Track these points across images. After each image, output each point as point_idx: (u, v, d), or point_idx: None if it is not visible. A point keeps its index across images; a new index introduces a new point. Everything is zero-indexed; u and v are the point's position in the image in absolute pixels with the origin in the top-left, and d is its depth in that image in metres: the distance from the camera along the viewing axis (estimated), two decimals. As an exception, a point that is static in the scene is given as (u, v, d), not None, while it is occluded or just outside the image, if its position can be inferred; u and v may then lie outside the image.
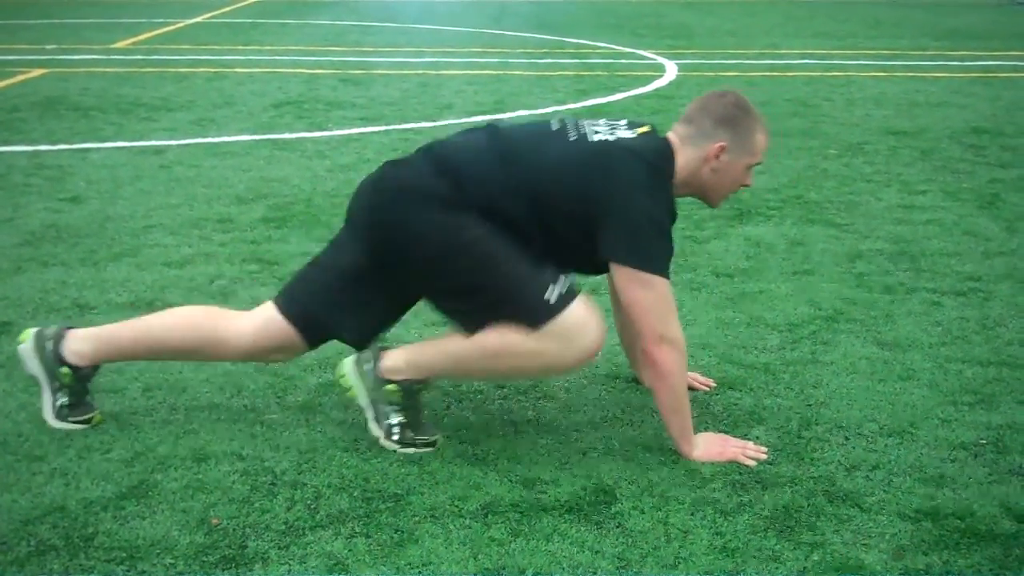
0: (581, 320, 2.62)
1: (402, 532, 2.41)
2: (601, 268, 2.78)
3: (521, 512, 2.50)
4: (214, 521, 2.45)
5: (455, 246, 2.63)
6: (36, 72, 9.73)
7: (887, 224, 5.05)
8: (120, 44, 12.21)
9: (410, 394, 2.80)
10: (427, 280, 2.74)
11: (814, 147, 6.85)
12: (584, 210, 2.64)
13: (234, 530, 2.42)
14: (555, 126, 2.78)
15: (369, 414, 2.83)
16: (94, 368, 2.91)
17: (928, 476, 2.69)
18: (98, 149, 6.55)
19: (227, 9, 17.80)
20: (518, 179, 2.65)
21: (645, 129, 2.78)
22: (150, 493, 2.57)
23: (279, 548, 2.35)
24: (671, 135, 2.81)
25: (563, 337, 2.61)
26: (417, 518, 2.47)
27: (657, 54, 11.70)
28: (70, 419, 2.88)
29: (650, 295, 2.65)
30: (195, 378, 3.22)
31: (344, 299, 2.79)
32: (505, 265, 2.62)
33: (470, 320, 2.69)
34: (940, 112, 8.22)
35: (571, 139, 2.72)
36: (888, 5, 20.34)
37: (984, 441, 2.89)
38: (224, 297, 3.92)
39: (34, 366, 2.89)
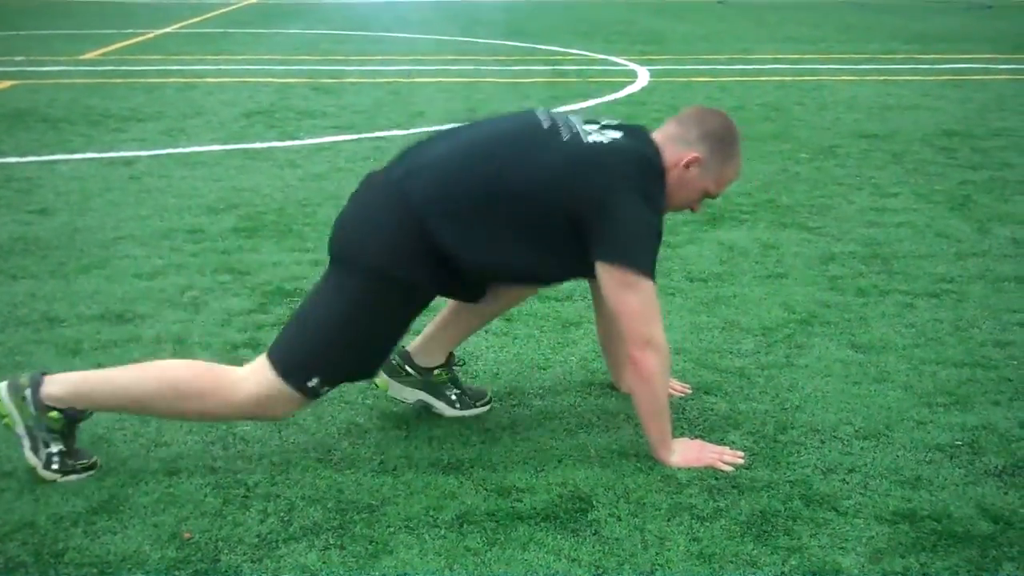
0: (283, 405, 2.65)
1: (376, 543, 2.39)
2: (580, 271, 2.75)
3: (497, 521, 2.48)
4: (186, 535, 2.42)
5: (349, 295, 2.61)
6: (4, 84, 9.65)
7: (859, 227, 5.07)
8: (89, 55, 12.13)
9: (72, 423, 2.66)
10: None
11: (786, 151, 6.88)
12: (575, 210, 2.59)
13: (206, 544, 2.39)
14: (546, 123, 2.71)
15: (25, 443, 2.65)
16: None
17: (904, 478, 2.69)
18: (67, 161, 6.50)
19: (197, 19, 17.73)
20: (502, 183, 2.60)
21: (635, 128, 2.76)
22: (121, 508, 2.54)
23: (252, 561, 2.32)
24: (657, 134, 2.78)
25: (261, 403, 2.63)
26: (392, 529, 2.45)
27: (629, 60, 11.73)
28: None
29: (636, 298, 2.62)
30: (166, 390, 3.19)
31: None
32: (342, 331, 2.61)
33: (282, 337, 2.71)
34: (911, 115, 8.27)
35: (564, 139, 2.66)
36: (859, 9, 20.48)
37: (959, 442, 2.89)
38: (196, 308, 3.89)
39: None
